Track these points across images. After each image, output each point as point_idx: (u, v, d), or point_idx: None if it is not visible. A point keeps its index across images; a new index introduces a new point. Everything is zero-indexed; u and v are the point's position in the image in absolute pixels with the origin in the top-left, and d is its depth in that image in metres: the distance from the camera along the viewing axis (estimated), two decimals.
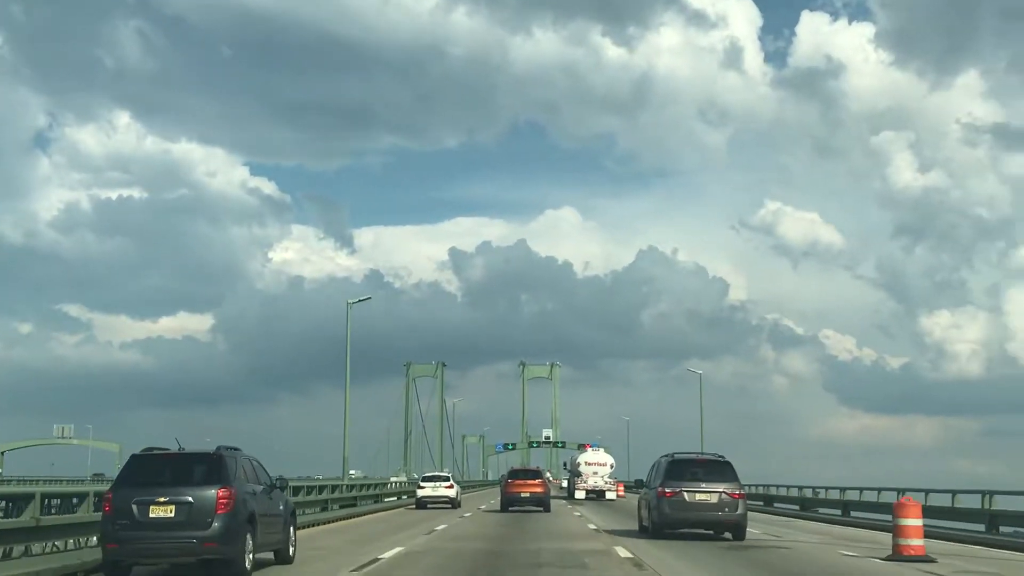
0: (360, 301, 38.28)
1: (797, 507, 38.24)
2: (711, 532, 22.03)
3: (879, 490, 32.24)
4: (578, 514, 34.41)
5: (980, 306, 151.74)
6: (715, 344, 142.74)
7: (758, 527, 26.15)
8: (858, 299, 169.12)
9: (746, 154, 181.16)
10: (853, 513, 32.43)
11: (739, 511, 21.47)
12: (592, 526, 26.98)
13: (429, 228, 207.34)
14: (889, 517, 25.82)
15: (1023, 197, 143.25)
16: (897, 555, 16.96)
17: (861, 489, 33.85)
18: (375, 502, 41.59)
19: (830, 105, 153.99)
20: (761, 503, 42.03)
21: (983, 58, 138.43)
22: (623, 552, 17.90)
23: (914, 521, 17.15)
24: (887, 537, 19.58)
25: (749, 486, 46.30)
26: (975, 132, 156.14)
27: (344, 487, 36.09)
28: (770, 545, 20.85)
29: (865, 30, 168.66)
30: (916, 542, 16.98)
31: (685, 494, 21.40)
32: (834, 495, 36.15)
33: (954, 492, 25.95)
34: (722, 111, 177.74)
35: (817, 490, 38.69)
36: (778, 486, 43.39)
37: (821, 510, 35.91)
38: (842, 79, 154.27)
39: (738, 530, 21.61)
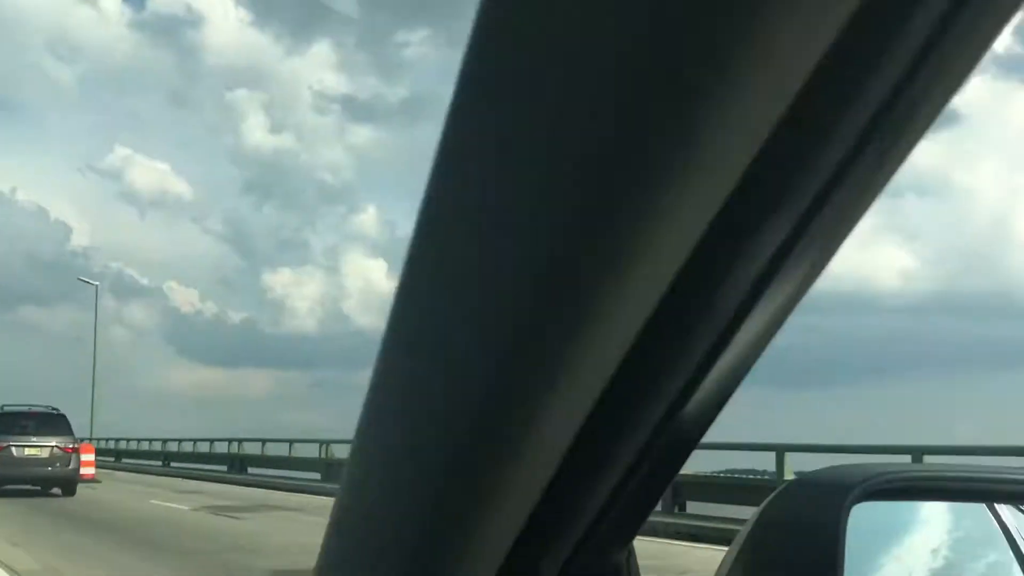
0: None
1: (113, 458, 37.01)
2: (39, 488, 21.14)
3: (211, 441, 32.32)
4: None
5: (319, 265, 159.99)
6: (54, 291, 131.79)
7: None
8: (204, 252, 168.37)
9: (99, 96, 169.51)
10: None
11: (72, 466, 21.26)
12: None
13: None
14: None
15: (364, 166, 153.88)
16: None
17: (211, 440, 32.81)
18: None
19: (187, 56, 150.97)
20: (113, 459, 39.77)
21: (336, 32, 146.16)
22: None
23: None
24: None
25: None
26: (326, 101, 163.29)
27: None
28: None
29: None
30: None
31: (14, 449, 20.70)
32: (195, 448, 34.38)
33: (291, 441, 26.82)
34: (74, 47, 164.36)
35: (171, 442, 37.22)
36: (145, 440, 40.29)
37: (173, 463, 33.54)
38: (201, 31, 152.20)
39: (69, 485, 21.15)
